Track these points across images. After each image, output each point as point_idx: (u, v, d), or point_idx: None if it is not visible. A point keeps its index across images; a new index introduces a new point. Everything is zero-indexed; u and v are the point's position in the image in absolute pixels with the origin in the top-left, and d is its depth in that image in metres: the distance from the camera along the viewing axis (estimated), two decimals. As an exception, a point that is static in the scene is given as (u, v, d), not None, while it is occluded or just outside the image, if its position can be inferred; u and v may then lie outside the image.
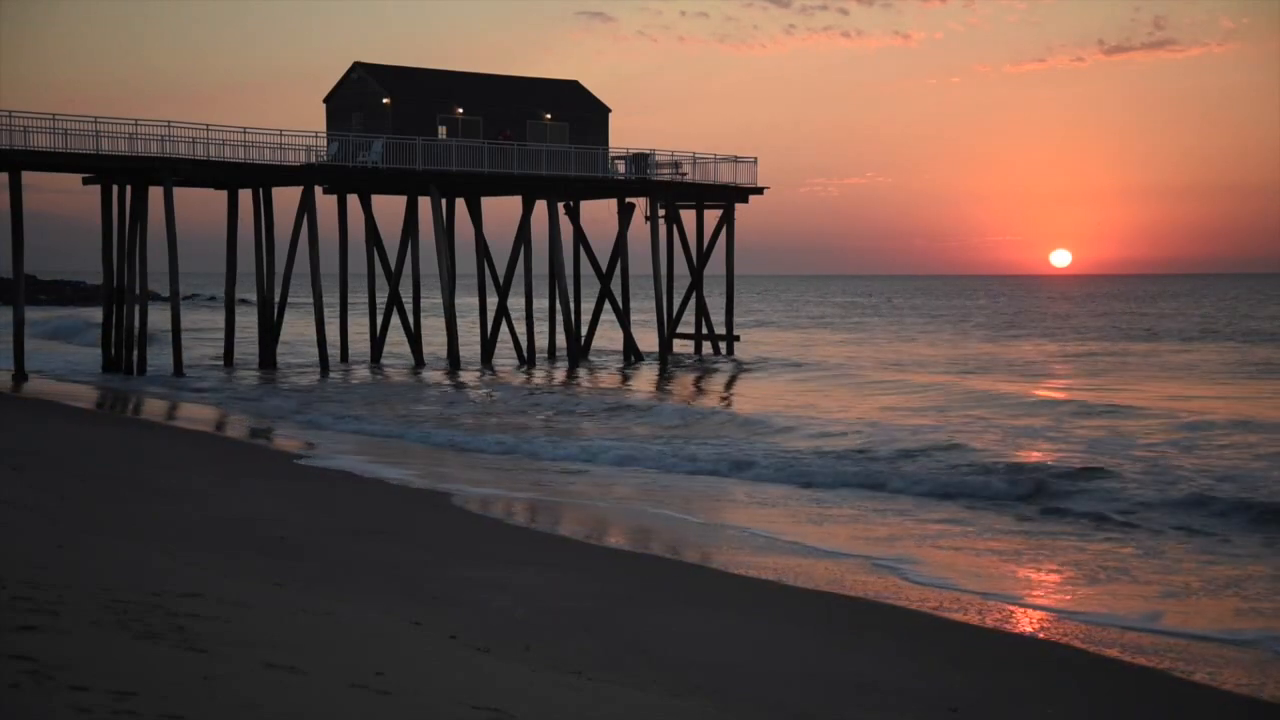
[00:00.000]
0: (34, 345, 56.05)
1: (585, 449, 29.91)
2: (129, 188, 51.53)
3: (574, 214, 58.62)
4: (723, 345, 61.05)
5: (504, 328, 57.23)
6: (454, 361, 54.22)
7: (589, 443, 31.06)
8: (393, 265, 55.54)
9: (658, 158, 57.92)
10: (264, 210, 53.50)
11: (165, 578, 11.74)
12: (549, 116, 57.39)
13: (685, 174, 58.03)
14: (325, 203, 54.45)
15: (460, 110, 55.52)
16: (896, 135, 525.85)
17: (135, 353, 51.11)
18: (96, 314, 62.96)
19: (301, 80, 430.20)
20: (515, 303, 57.91)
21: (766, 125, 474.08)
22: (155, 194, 50.39)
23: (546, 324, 59.45)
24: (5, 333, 53.12)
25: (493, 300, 58.01)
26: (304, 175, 51.82)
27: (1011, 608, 15.16)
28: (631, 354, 58.46)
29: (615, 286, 57.70)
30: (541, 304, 58.81)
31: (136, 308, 51.15)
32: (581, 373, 52.75)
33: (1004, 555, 18.38)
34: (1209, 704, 11.62)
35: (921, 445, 29.30)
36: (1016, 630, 14.16)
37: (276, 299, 53.89)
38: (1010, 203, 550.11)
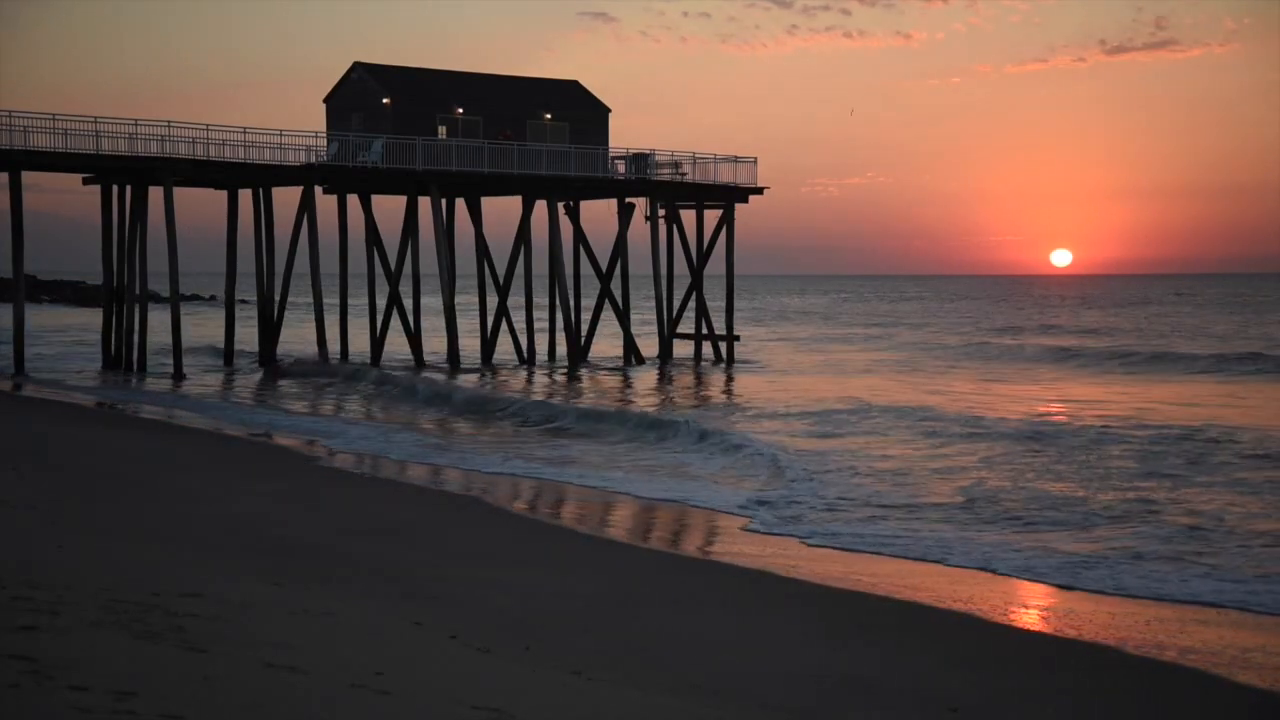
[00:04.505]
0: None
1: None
2: (129, 188, 51.57)
3: (574, 214, 58.55)
4: (722, 346, 60.85)
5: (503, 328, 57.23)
6: (454, 362, 54.17)
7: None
8: (393, 265, 55.52)
9: (658, 158, 57.86)
10: (264, 210, 53.51)
11: (165, 578, 11.74)
12: (549, 116, 57.35)
13: (685, 174, 57.97)
14: (325, 203, 54.44)
15: (460, 110, 55.49)
16: (897, 135, 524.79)
17: (135, 353, 51.24)
18: (95, 321, 62.61)
19: (301, 80, 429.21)
20: (515, 302, 57.86)
21: (767, 125, 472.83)
22: (155, 194, 50.42)
23: (547, 324, 59.42)
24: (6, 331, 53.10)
25: (493, 300, 58.00)
26: (304, 175, 51.82)
27: (1012, 607, 15.17)
28: (632, 355, 58.39)
29: (615, 286, 57.63)
30: (542, 304, 58.76)
31: (136, 308, 51.21)
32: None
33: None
34: (1214, 702, 11.57)
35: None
36: (1017, 630, 14.15)
37: (276, 299, 53.93)
38: (1010, 203, 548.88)
